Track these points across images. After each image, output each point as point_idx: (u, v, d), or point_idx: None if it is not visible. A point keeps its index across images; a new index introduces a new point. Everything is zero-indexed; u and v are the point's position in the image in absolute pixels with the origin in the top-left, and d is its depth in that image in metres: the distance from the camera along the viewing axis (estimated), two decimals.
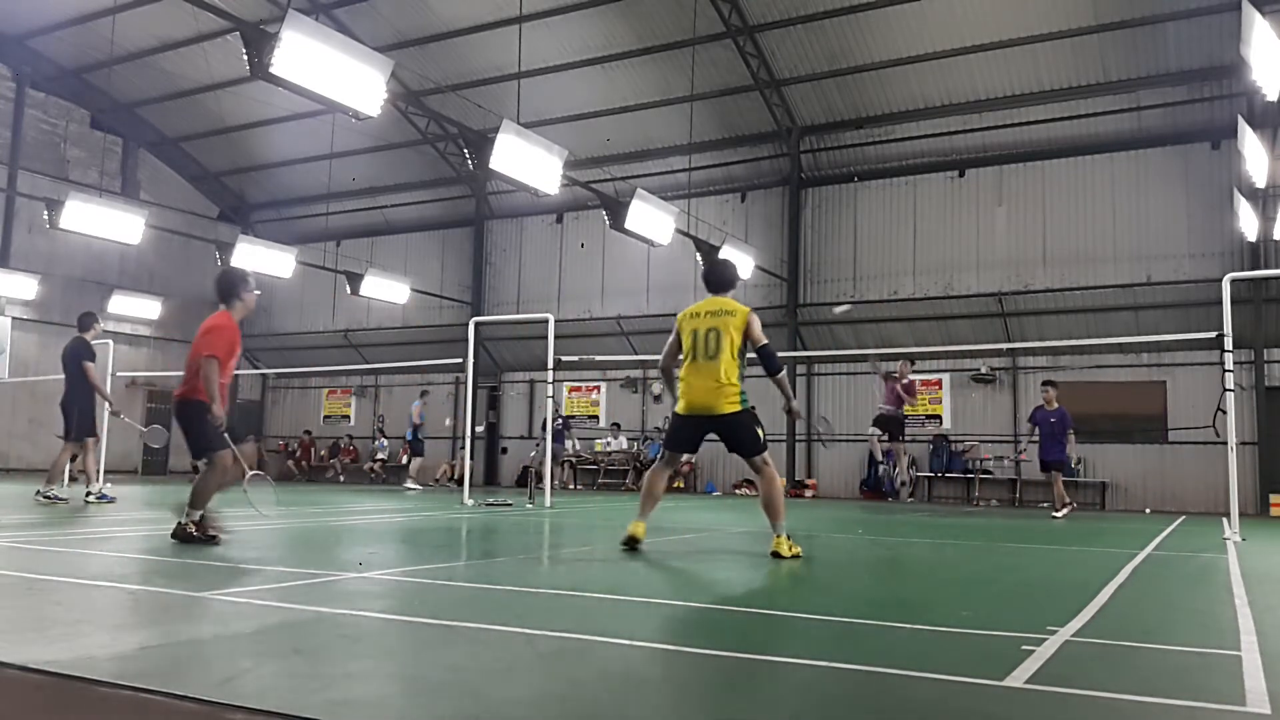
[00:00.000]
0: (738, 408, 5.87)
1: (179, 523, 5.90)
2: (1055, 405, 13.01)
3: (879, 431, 13.78)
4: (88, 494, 10.24)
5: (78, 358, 10.12)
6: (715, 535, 7.94)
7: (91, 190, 20.41)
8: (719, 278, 6.28)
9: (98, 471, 10.87)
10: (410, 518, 9.47)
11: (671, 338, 6.20)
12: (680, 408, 6.04)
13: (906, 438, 14.50)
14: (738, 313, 5.97)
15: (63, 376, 10.32)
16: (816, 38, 17.94)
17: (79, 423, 10.10)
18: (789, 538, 5.81)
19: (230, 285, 6.35)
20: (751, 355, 6.02)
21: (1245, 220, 14.87)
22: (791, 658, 2.88)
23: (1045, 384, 13.40)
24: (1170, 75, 16.68)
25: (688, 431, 6.08)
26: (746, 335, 5.94)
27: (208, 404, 5.88)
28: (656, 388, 21.58)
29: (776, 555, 5.72)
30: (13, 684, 2.34)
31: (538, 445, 18.52)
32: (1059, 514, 12.49)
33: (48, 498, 9.90)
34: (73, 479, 11.82)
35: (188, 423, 6.03)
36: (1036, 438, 12.95)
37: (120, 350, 20.13)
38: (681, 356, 6.11)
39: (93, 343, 10.41)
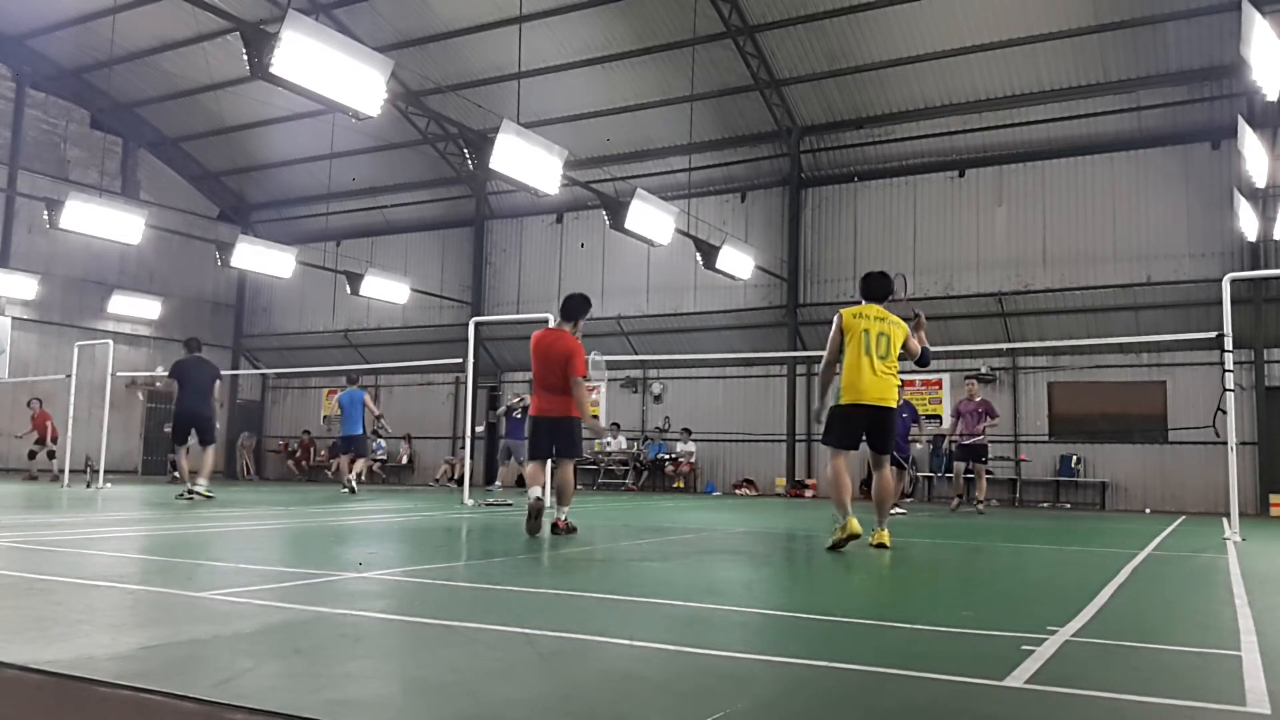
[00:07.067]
0: (896, 404, 6.65)
1: (557, 519, 7.08)
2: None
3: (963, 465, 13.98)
4: (186, 491, 11.19)
5: (216, 376, 11.94)
6: (715, 535, 7.94)
7: (91, 190, 20.43)
8: (883, 290, 6.81)
9: (190, 473, 11.97)
10: (410, 518, 9.47)
11: (835, 334, 6.58)
12: (848, 399, 6.45)
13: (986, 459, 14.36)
14: (901, 326, 6.65)
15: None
16: (816, 38, 17.94)
17: (209, 429, 11.68)
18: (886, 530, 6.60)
19: (580, 307, 7.32)
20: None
21: (1245, 220, 14.87)
22: (791, 657, 2.88)
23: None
24: (1170, 75, 16.68)
25: (858, 422, 6.48)
26: (904, 346, 6.64)
27: (580, 419, 7.15)
28: (656, 388, 21.60)
29: (882, 546, 6.43)
30: (13, 684, 2.34)
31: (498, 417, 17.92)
32: (900, 510, 12.59)
33: (197, 494, 11.17)
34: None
35: (557, 434, 7.19)
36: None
37: (120, 350, 20.17)
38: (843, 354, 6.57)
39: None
